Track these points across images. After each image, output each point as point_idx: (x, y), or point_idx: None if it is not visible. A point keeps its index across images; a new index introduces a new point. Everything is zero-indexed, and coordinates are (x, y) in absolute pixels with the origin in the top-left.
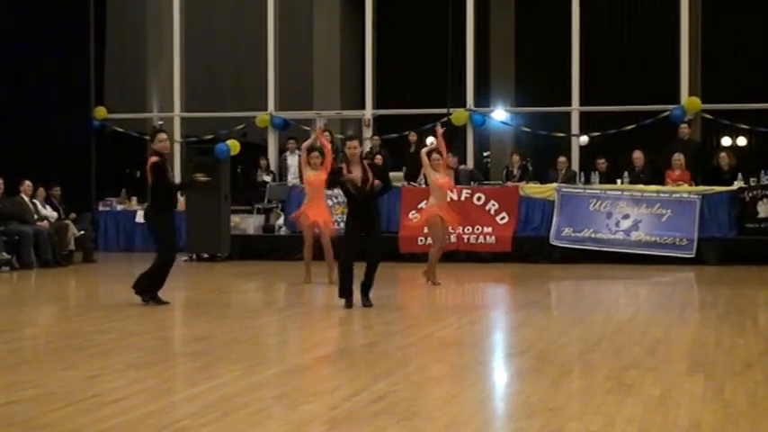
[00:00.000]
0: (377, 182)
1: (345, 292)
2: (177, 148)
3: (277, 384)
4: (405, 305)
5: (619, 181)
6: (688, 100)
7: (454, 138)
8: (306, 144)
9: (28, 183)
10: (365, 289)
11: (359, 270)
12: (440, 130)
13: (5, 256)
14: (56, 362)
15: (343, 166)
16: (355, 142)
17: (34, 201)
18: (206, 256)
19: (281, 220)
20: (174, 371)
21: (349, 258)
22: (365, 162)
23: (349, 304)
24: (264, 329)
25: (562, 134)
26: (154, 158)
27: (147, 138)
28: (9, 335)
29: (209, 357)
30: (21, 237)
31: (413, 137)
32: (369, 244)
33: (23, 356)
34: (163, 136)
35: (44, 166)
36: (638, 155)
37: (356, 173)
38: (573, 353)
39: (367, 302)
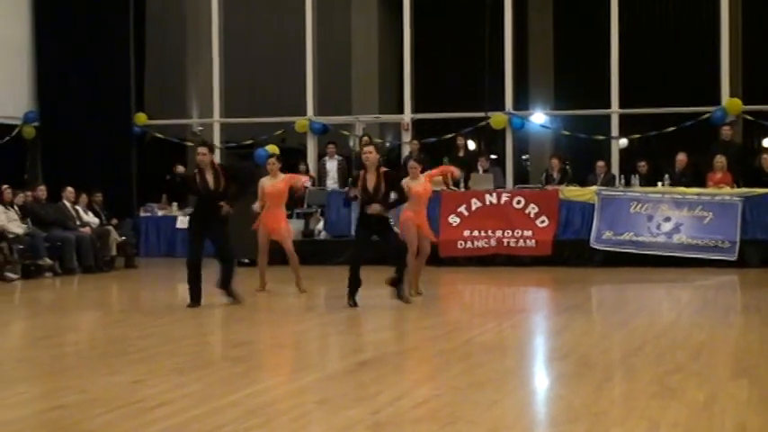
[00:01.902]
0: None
1: (350, 293)
2: (217, 153)
3: (319, 390)
4: (445, 309)
5: (659, 183)
6: (729, 101)
7: (492, 141)
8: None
9: (70, 189)
10: (398, 282)
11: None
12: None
13: (48, 261)
14: (99, 367)
15: (360, 173)
16: (371, 147)
17: (77, 207)
18: (246, 261)
19: (320, 225)
20: (217, 376)
21: (353, 260)
22: (381, 170)
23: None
24: (305, 334)
25: (602, 137)
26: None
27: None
28: (52, 340)
29: (251, 362)
30: (63, 243)
31: (460, 140)
32: (390, 248)
33: (67, 362)
34: (199, 149)
35: (86, 172)
36: (681, 157)
37: (371, 181)
38: (615, 357)
39: (402, 297)
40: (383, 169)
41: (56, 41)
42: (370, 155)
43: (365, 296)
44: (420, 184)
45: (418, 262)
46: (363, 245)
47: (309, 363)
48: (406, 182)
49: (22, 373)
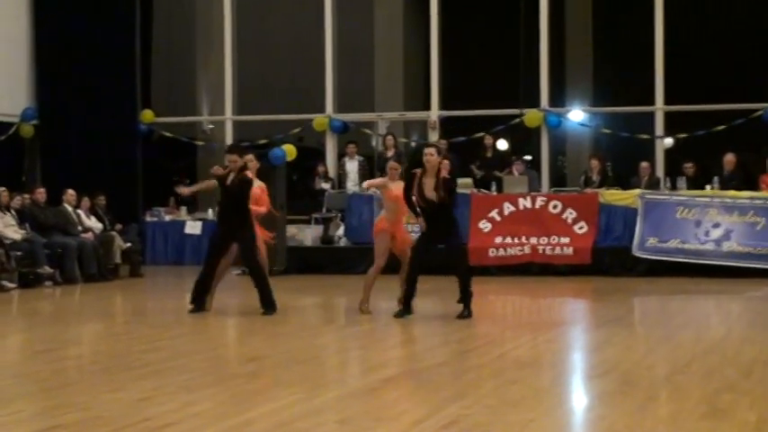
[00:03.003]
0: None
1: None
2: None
3: (339, 408)
4: (476, 322)
5: (708, 186)
6: None
7: (527, 141)
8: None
9: (72, 192)
10: (464, 301)
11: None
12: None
13: (48, 270)
14: (102, 383)
15: (416, 174)
16: (433, 149)
17: (78, 211)
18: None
19: (340, 231)
20: (229, 393)
21: (413, 269)
22: (441, 176)
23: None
24: (325, 349)
25: (646, 136)
26: None
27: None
28: (53, 354)
29: (266, 379)
30: (64, 249)
31: (488, 140)
32: (450, 256)
33: (68, 377)
34: (227, 158)
35: (88, 174)
36: (729, 158)
37: (429, 186)
38: (660, 375)
39: (466, 314)
40: (443, 175)
41: (56, 33)
42: (432, 157)
43: (390, 308)
44: (399, 187)
45: (403, 274)
46: (421, 251)
47: (329, 379)
48: (383, 181)
49: (19, 389)
